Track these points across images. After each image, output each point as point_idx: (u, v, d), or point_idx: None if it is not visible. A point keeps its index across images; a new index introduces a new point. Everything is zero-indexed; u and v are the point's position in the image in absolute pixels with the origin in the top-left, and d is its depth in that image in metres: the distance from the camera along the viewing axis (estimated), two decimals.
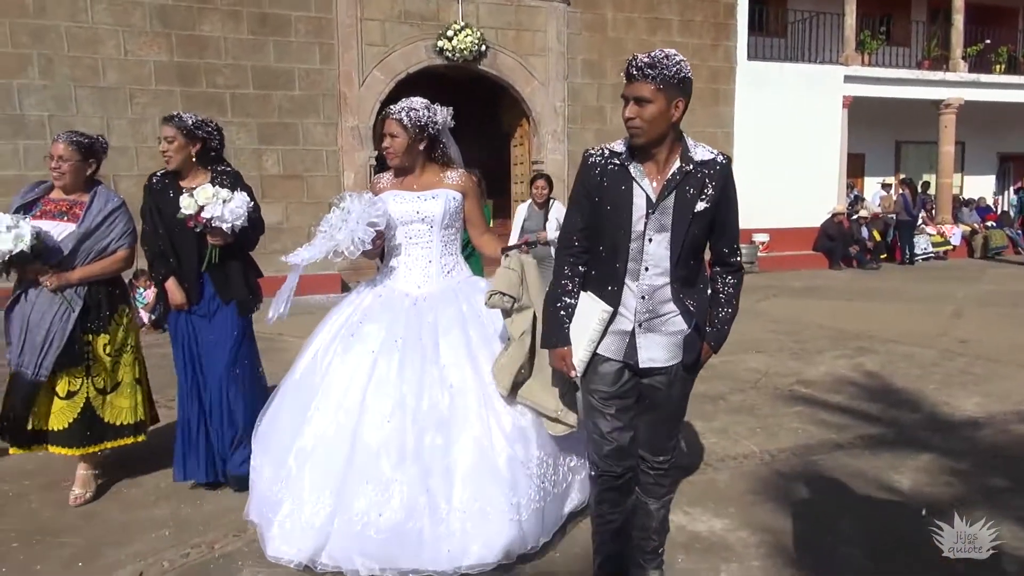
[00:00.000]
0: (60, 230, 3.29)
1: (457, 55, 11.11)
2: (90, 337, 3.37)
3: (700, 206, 2.20)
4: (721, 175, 2.24)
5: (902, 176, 16.41)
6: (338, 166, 10.95)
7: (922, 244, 14.64)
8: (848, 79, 14.24)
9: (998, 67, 16.13)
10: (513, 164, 12.93)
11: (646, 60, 2.14)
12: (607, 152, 2.28)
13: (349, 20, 10.71)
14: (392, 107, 3.01)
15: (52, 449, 3.37)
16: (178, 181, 3.45)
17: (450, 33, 11.05)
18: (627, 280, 2.27)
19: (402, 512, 2.56)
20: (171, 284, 3.43)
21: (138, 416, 3.54)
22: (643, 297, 2.27)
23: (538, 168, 11.94)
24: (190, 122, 3.44)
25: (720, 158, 2.26)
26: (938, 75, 15.13)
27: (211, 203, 3.24)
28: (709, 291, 2.38)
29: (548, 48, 11.91)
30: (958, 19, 15.20)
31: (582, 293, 2.34)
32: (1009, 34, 17.24)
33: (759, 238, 13.50)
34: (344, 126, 10.86)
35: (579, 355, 2.34)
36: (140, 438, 3.57)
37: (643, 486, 2.48)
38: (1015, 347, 6.48)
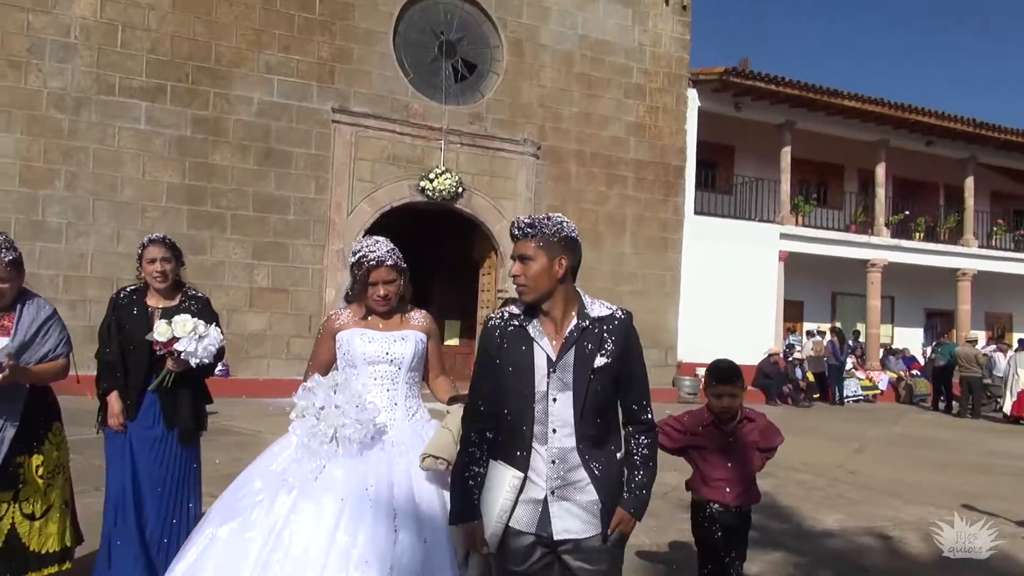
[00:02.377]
0: None
1: (436, 195, 12.61)
2: (22, 458, 3.08)
3: (599, 361, 2.19)
4: (621, 329, 2.24)
5: (837, 324, 17.99)
6: (321, 283, 12.11)
7: (852, 387, 15.96)
8: (784, 236, 16.05)
9: (917, 234, 18.18)
10: (481, 291, 14.21)
11: (527, 221, 2.23)
12: (506, 315, 2.30)
13: (344, 158, 12.23)
14: (375, 253, 2.85)
15: None
16: (144, 298, 3.47)
17: (431, 175, 12.60)
18: (535, 444, 2.20)
19: None
20: (113, 398, 3.39)
21: (64, 542, 3.25)
22: (553, 461, 2.19)
23: (502, 294, 13.24)
24: (171, 241, 3.52)
25: (619, 313, 2.27)
26: (863, 238, 17.07)
27: (187, 337, 3.24)
28: (622, 453, 2.29)
29: (517, 193, 13.51)
30: (880, 192, 17.35)
31: (491, 461, 2.26)
32: (930, 206, 19.49)
33: (701, 371, 14.68)
34: (331, 248, 12.12)
35: (491, 528, 2.22)
36: (66, 566, 3.25)
37: None
38: (894, 480, 7.55)
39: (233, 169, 11.62)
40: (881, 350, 17.68)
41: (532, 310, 2.27)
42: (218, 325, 3.45)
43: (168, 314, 3.37)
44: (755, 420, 3.36)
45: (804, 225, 16.93)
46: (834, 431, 11.28)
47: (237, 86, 11.65)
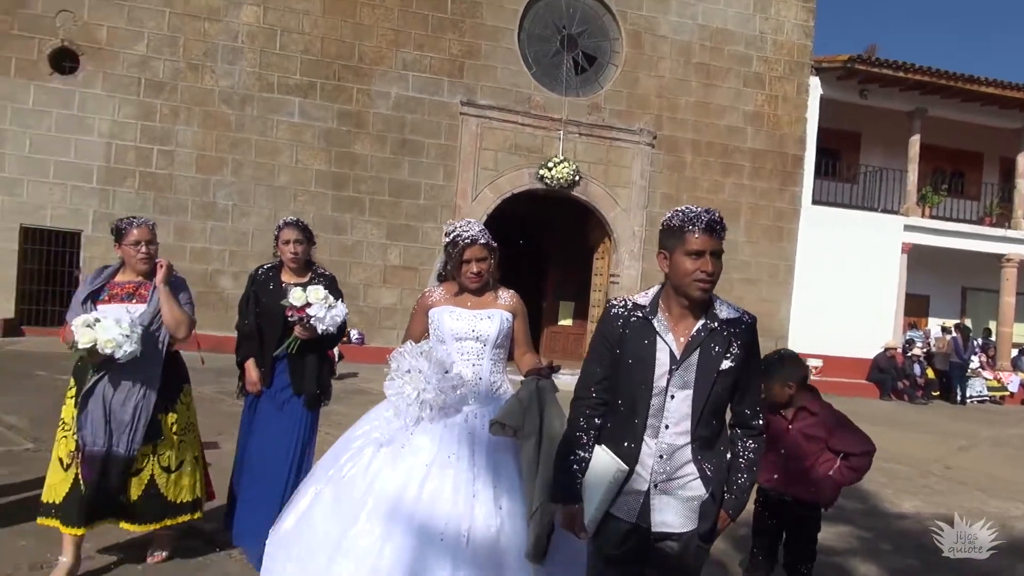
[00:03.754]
0: (131, 311, 3.36)
1: (555, 182, 13.36)
2: (160, 416, 3.46)
3: (725, 364, 2.18)
4: (747, 334, 2.23)
5: (966, 321, 17.30)
6: None
7: (977, 387, 15.40)
8: (908, 228, 15.62)
9: None
10: (594, 275, 14.89)
11: (721, 217, 2.20)
12: (630, 304, 2.28)
13: (470, 148, 13.21)
14: (468, 232, 3.03)
15: (123, 525, 3.43)
16: (280, 275, 3.78)
17: (550, 164, 13.35)
18: (646, 437, 2.21)
19: None
20: (250, 364, 3.72)
21: (196, 493, 3.61)
22: (661, 456, 2.21)
23: (615, 279, 13.87)
24: (305, 225, 3.82)
25: (746, 317, 2.26)
26: (998, 231, 16.28)
27: (319, 304, 3.54)
28: (728, 455, 2.29)
29: (632, 181, 14.03)
30: (1021, 182, 16.42)
31: (596, 447, 2.28)
32: None
33: (812, 363, 14.72)
34: None
35: (591, 514, 2.26)
36: (197, 515, 3.63)
37: None
38: (989, 477, 7.65)
39: (372, 158, 12.87)
40: (1014, 350, 16.85)
41: (657, 302, 2.27)
42: (343, 300, 3.72)
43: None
44: (817, 414, 3.29)
45: (933, 217, 16.36)
46: (944, 428, 11.18)
47: (377, 82, 12.84)
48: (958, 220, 16.79)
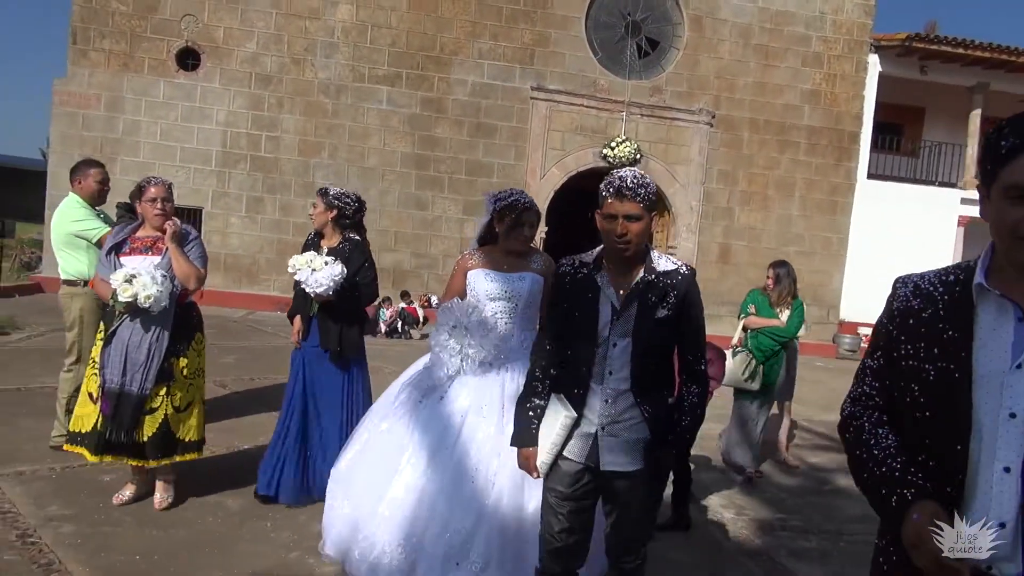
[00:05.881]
0: (148, 262, 3.66)
1: (616, 160, 14.44)
2: (172, 360, 3.71)
3: (661, 313, 2.32)
4: (684, 284, 2.37)
5: None
6: None
7: None
8: (964, 201, 16.00)
9: None
10: (652, 247, 15.91)
11: (635, 181, 2.28)
12: (577, 263, 2.44)
13: (539, 130, 14.43)
14: (524, 199, 3.28)
15: (131, 462, 3.73)
16: (321, 239, 4.08)
17: (613, 144, 14.43)
18: (592, 384, 2.36)
19: (480, 562, 2.81)
20: (296, 321, 4.07)
21: (200, 434, 3.88)
22: (607, 400, 2.36)
23: (672, 250, 14.93)
24: (331, 194, 4.05)
25: (683, 268, 2.40)
26: None
27: (301, 269, 3.80)
28: (673, 399, 2.44)
29: (691, 159, 14.98)
30: None
31: (552, 395, 2.44)
32: None
33: (864, 331, 15.45)
34: None
35: (542, 457, 2.43)
36: (201, 454, 3.94)
37: None
38: None
39: (450, 140, 14.25)
40: None
41: (600, 260, 2.42)
42: (368, 264, 4.00)
43: (331, 253, 3.95)
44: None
45: None
46: None
47: (456, 71, 14.17)
48: None
